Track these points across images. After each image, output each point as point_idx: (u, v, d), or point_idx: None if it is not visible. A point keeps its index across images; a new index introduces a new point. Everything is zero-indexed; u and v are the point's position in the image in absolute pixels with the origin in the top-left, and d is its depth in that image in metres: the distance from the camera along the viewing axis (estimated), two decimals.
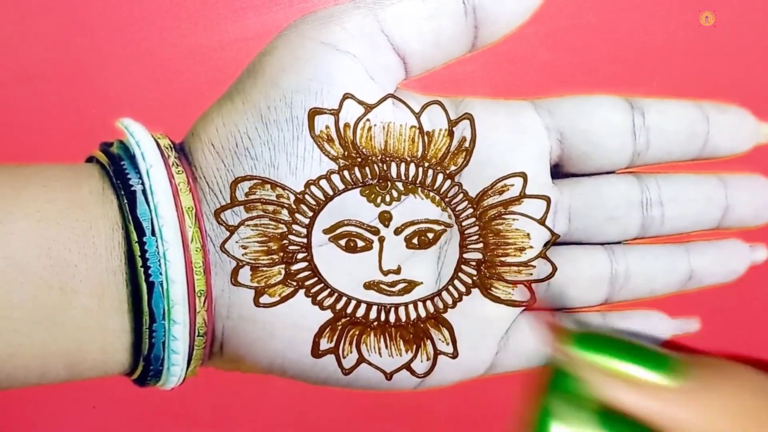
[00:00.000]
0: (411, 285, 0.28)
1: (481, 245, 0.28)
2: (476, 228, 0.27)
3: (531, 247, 0.28)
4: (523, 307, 0.28)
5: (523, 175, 0.27)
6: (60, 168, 0.26)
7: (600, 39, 0.26)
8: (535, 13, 0.26)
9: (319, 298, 0.28)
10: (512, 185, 0.27)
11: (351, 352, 0.28)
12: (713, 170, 0.29)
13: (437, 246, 0.28)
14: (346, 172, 0.26)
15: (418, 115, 0.26)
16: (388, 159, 0.26)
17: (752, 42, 0.26)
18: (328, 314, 0.28)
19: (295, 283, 0.27)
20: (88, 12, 0.25)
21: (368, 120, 0.26)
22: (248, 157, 0.26)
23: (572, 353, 0.18)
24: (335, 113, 0.26)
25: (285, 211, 0.27)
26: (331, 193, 0.26)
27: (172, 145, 0.27)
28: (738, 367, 0.19)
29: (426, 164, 0.26)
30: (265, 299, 0.27)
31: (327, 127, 0.26)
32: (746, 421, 0.18)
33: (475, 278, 0.28)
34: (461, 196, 0.27)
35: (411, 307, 0.28)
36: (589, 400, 0.18)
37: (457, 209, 0.27)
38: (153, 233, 0.26)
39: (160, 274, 0.26)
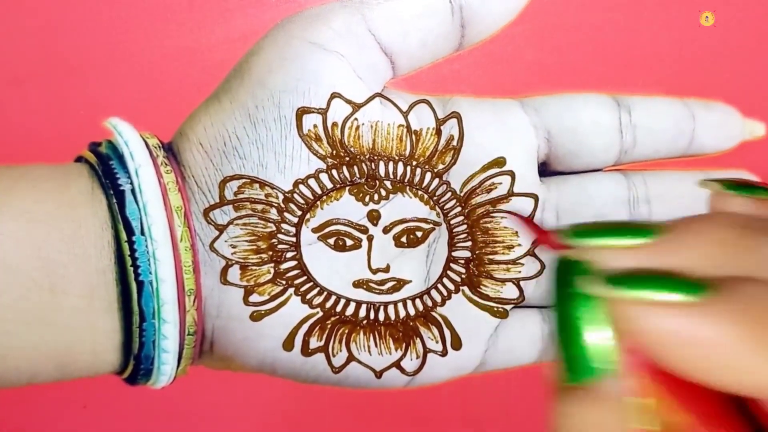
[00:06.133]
0: (400, 283, 0.28)
1: (469, 243, 0.28)
2: (464, 226, 0.27)
3: (519, 244, 0.28)
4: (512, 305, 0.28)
5: (511, 174, 0.27)
6: (49, 168, 0.26)
7: (586, 38, 0.26)
8: (522, 13, 0.26)
9: (308, 296, 0.28)
10: (500, 183, 0.27)
11: (340, 351, 0.28)
12: (700, 167, 0.29)
13: (426, 244, 0.28)
14: (334, 171, 0.26)
15: (405, 114, 0.26)
16: (376, 158, 0.26)
17: (735, 39, 0.26)
18: (317, 313, 0.28)
19: (284, 282, 0.28)
20: (77, 15, 0.25)
21: (356, 119, 0.26)
22: (236, 157, 0.26)
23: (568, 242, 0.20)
24: (323, 112, 0.26)
25: (274, 210, 0.27)
26: (319, 192, 0.27)
27: (160, 145, 0.27)
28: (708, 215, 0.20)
29: (414, 163, 0.27)
30: (254, 298, 0.27)
31: (315, 126, 0.26)
32: (718, 250, 0.18)
33: (463, 276, 0.28)
34: (449, 194, 0.27)
35: (400, 305, 0.28)
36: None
37: (445, 207, 0.27)
38: (142, 232, 0.26)
39: (150, 273, 0.26)
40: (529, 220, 0.24)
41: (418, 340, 0.28)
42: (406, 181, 0.27)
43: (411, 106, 0.26)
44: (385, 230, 0.27)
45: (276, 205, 0.27)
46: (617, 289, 0.18)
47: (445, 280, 0.28)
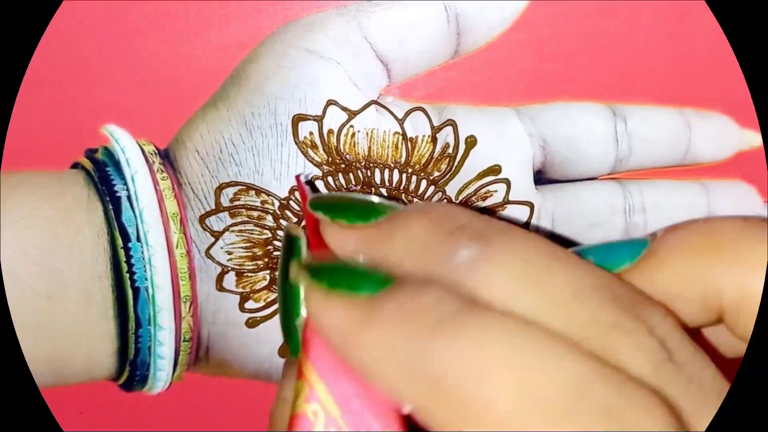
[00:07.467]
0: None
1: None
2: None
3: None
4: None
5: (507, 182, 0.27)
6: (45, 175, 0.27)
7: (582, 46, 0.26)
8: (518, 21, 0.26)
9: None
10: (496, 191, 0.27)
11: None
12: (695, 176, 0.29)
13: None
14: (330, 178, 0.27)
15: (401, 122, 0.26)
16: (371, 165, 0.26)
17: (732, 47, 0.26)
18: None
19: None
20: (73, 20, 0.25)
21: (352, 126, 0.26)
22: (233, 164, 0.26)
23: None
24: (319, 120, 0.26)
25: (270, 217, 0.27)
26: None
27: (156, 152, 0.27)
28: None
29: (409, 170, 0.27)
30: (250, 305, 0.27)
31: (311, 133, 0.26)
32: (415, 250, 0.18)
33: None
34: (445, 202, 0.27)
35: None
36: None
37: None
38: (138, 239, 0.26)
39: (146, 279, 0.26)
40: (299, 181, 0.25)
41: None
42: (401, 188, 0.27)
43: (407, 114, 0.26)
44: None
45: (272, 212, 0.27)
46: (307, 277, 0.18)
47: None
